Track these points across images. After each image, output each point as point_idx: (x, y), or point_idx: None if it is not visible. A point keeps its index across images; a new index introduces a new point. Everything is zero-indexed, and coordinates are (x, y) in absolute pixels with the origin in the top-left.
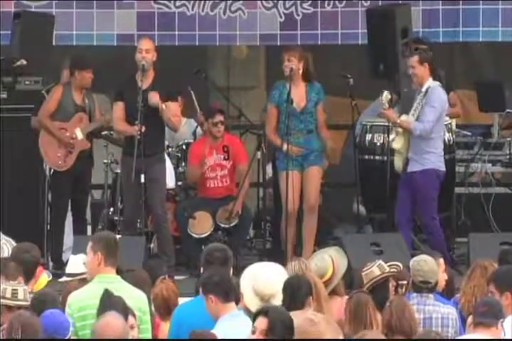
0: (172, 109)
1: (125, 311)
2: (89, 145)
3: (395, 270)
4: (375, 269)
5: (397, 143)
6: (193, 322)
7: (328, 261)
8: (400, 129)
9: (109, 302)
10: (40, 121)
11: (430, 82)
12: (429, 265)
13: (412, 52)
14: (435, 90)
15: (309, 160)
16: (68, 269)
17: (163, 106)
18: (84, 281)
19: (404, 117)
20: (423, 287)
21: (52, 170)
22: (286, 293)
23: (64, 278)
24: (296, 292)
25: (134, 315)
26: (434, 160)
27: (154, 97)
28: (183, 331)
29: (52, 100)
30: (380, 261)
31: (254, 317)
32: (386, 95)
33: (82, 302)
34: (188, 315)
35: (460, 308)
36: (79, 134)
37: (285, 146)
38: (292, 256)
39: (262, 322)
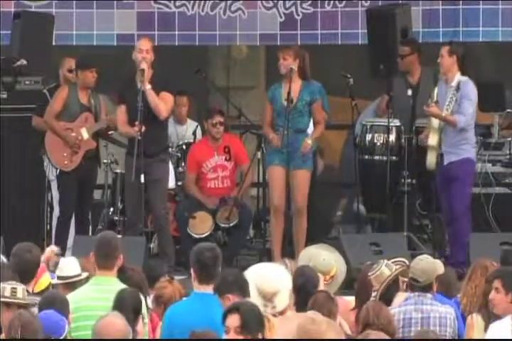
0: (163, 97)
1: (137, 306)
2: (95, 145)
3: (401, 266)
4: (384, 270)
5: (433, 140)
6: (186, 321)
7: (332, 257)
8: (435, 125)
9: (120, 298)
10: (46, 122)
11: (460, 77)
12: (423, 264)
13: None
14: (468, 84)
15: (295, 162)
16: (58, 272)
17: (149, 86)
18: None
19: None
20: (413, 285)
21: (58, 170)
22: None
23: (55, 281)
24: (307, 291)
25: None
26: (470, 150)
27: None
28: (176, 331)
29: (58, 100)
30: (386, 261)
31: (224, 315)
32: (436, 92)
33: (75, 303)
34: (180, 314)
35: (462, 309)
36: (85, 134)
37: (275, 141)
38: (279, 253)
39: (234, 319)
